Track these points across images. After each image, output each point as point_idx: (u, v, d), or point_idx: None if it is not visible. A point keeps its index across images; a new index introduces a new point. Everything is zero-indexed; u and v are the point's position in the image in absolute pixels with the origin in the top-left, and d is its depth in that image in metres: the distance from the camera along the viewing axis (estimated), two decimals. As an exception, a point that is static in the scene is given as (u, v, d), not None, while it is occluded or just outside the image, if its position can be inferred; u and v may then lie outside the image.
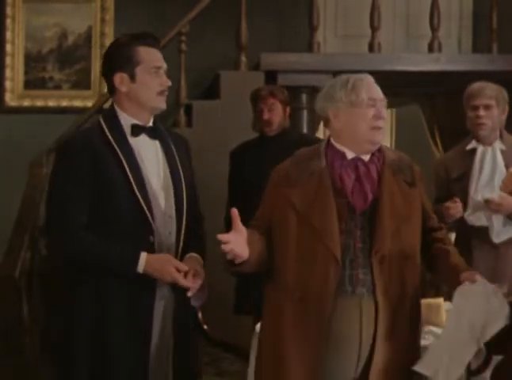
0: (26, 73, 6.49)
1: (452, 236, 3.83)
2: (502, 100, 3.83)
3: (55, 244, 2.75)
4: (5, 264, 4.39)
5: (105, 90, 5.77)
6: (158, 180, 2.72)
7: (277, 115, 4.32)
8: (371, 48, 5.75)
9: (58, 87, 6.52)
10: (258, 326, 3.07)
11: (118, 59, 2.71)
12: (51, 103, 6.50)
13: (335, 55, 5.85)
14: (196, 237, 2.80)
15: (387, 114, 2.66)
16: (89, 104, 6.12)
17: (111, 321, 2.63)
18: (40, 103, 6.49)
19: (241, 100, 4.81)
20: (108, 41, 6.35)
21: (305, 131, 5.53)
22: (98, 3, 6.51)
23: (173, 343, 2.72)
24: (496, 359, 2.47)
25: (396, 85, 5.28)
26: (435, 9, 5.85)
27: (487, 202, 3.61)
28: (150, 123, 2.77)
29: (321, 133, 5.94)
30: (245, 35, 5.65)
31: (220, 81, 5.63)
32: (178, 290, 2.68)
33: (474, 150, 3.85)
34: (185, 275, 2.65)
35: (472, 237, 3.79)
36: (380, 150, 2.66)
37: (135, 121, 2.73)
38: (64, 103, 6.49)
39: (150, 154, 2.73)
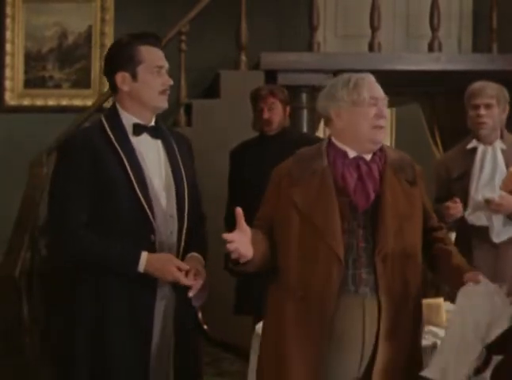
0: (26, 72, 6.49)
1: (453, 235, 3.83)
2: (502, 99, 3.83)
3: (55, 242, 2.75)
4: (5, 264, 4.39)
5: (105, 89, 5.83)
6: (160, 180, 2.72)
7: (276, 114, 4.31)
8: (371, 48, 5.75)
9: (58, 86, 6.52)
10: (258, 326, 3.07)
11: (120, 59, 2.71)
12: (51, 102, 6.50)
13: (335, 55, 5.85)
14: (197, 236, 2.80)
15: (387, 113, 2.66)
16: (89, 103, 6.12)
17: (111, 321, 2.62)
18: (39, 102, 6.49)
19: (241, 99, 4.81)
20: (108, 41, 6.36)
21: (305, 130, 5.53)
22: (98, 3, 6.51)
23: (174, 342, 2.72)
24: (496, 359, 2.47)
25: (396, 85, 5.27)
26: (435, 9, 5.85)
27: (488, 202, 3.60)
28: (152, 123, 2.77)
29: (321, 132, 5.95)
30: (245, 35, 5.65)
31: (220, 81, 5.63)
32: (179, 290, 2.68)
33: (474, 150, 3.85)
34: (187, 274, 2.65)
35: (472, 237, 3.79)
36: (381, 149, 2.66)
37: (137, 120, 2.73)
38: (64, 102, 6.49)
39: (151, 154, 2.73)
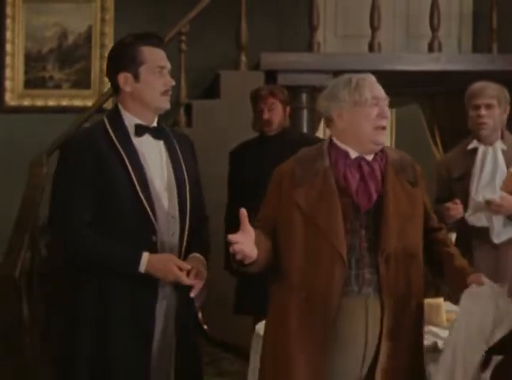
0: (26, 72, 6.48)
1: (453, 236, 3.83)
2: (503, 99, 3.83)
3: (57, 242, 2.75)
4: (5, 264, 4.39)
5: (105, 90, 5.83)
6: (162, 181, 2.71)
7: (276, 114, 4.31)
8: (371, 48, 5.75)
9: (58, 86, 6.51)
10: (258, 326, 3.07)
11: (122, 59, 2.71)
12: (51, 102, 6.49)
13: (335, 55, 5.85)
14: (199, 237, 2.80)
15: (389, 113, 2.66)
16: (89, 103, 6.11)
17: (113, 321, 2.62)
18: (40, 102, 6.49)
19: (241, 99, 4.81)
20: (108, 41, 6.36)
21: (305, 130, 5.52)
22: (98, 3, 6.50)
23: (176, 343, 2.72)
24: (496, 359, 2.47)
25: (396, 85, 5.25)
26: (435, 9, 5.85)
27: (488, 203, 3.60)
28: (155, 124, 2.77)
29: (321, 132, 5.95)
30: (245, 35, 5.65)
31: (220, 81, 5.63)
32: (181, 290, 2.68)
33: (475, 150, 3.85)
34: (188, 273, 2.65)
35: (473, 238, 3.79)
36: (381, 149, 2.65)
37: (139, 121, 2.72)
38: (64, 102, 6.49)
39: (153, 154, 2.72)
